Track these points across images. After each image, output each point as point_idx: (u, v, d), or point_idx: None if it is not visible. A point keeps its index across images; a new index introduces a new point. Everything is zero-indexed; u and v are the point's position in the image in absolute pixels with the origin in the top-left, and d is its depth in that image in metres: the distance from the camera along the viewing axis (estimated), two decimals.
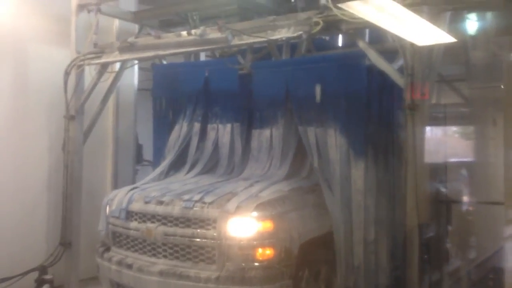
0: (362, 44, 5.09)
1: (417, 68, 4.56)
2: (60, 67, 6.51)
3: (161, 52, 5.82)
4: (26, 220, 6.46)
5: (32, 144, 6.62)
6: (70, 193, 6.46)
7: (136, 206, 5.23)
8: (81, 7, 6.59)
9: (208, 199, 4.88)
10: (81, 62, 6.48)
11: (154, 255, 5.02)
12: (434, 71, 4.86)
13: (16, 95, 6.49)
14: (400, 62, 4.89)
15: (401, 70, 4.77)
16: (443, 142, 6.29)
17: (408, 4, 4.01)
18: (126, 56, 6.10)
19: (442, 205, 5.74)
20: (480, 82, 6.57)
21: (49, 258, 6.31)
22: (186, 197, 4.97)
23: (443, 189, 6.06)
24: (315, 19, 4.93)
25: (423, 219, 4.44)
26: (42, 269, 6.19)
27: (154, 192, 5.29)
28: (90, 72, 6.60)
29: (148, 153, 7.78)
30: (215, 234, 4.67)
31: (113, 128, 7.62)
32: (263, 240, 4.59)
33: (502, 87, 5.09)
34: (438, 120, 6.15)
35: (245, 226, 4.63)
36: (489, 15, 5.95)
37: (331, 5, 4.63)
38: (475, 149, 7.54)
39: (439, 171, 5.99)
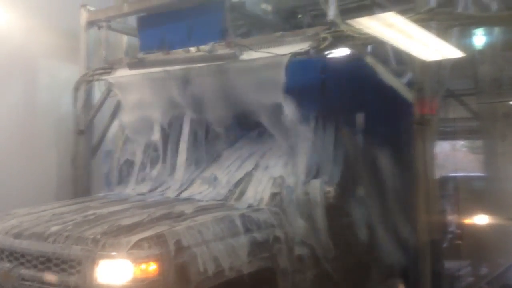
0: (369, 60, 5.09)
1: (426, 83, 4.57)
2: (69, 82, 6.57)
3: (169, 68, 5.85)
4: None
5: (41, 160, 6.63)
6: None
7: None
8: (90, 23, 6.66)
9: (74, 231, 3.68)
10: (90, 78, 6.53)
11: None
12: (442, 86, 4.87)
13: (25, 110, 6.53)
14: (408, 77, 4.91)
15: (409, 85, 4.77)
16: (451, 156, 6.28)
17: (416, 20, 4.03)
18: (135, 72, 6.13)
19: (452, 220, 5.70)
20: (489, 96, 6.57)
21: None
22: (53, 229, 3.79)
23: (451, 204, 6.03)
24: (323, 35, 4.94)
25: (435, 234, 4.41)
26: None
27: (29, 220, 4.11)
28: (99, 88, 6.64)
29: None
30: (79, 281, 3.42)
31: None
32: None
33: None
34: (447, 135, 6.15)
35: (119, 270, 3.36)
36: (496, 30, 5.97)
37: (339, 21, 4.65)
38: (483, 163, 7.52)
39: (448, 185, 5.96)
